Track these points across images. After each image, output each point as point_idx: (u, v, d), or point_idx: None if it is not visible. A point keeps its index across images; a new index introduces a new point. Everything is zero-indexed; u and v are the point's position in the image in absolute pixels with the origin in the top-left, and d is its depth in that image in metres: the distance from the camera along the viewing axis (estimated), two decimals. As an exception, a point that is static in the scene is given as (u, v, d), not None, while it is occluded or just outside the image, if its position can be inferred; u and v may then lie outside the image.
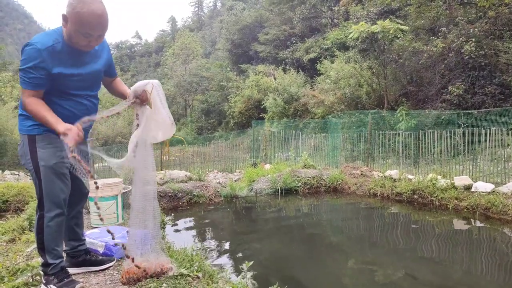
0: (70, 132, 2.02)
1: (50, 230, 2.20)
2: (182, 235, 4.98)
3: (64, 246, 2.51)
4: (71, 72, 2.19)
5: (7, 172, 12.46)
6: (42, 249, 2.23)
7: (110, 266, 2.65)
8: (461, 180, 6.35)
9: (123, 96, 2.49)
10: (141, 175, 2.34)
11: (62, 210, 2.24)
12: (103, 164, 13.61)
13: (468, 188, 6.21)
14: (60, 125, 2.04)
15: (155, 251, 2.40)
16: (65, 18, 2.09)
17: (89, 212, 4.18)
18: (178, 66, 41.93)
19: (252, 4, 47.74)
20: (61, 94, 2.21)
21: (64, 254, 2.48)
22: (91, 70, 2.29)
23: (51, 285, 2.22)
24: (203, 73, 37.08)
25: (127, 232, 2.44)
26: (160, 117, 2.39)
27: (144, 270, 2.32)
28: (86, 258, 2.60)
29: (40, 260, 2.37)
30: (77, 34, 2.09)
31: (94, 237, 2.94)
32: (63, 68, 2.15)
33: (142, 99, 2.32)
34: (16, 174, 12.09)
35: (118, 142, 25.19)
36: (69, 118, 2.18)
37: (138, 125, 2.35)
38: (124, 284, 2.30)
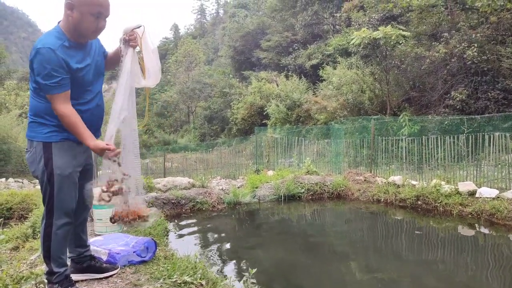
0: (109, 148, 2.17)
1: (58, 238, 2.21)
2: (185, 242, 4.97)
3: (69, 253, 2.52)
4: (83, 66, 2.21)
5: (11, 179, 12.48)
6: (47, 257, 2.22)
7: (114, 274, 2.65)
8: (465, 186, 6.32)
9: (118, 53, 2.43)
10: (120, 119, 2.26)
11: (71, 219, 2.25)
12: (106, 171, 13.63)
13: (472, 193, 6.17)
14: (97, 142, 2.18)
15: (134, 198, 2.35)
16: (70, 6, 2.09)
17: (93, 219, 4.18)
18: (181, 73, 42.18)
19: (254, 11, 47.98)
20: (77, 94, 2.21)
21: (69, 260, 2.49)
22: (94, 59, 2.31)
23: (55, 293, 2.22)
24: (206, 80, 37.26)
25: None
26: (150, 62, 2.35)
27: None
28: (91, 264, 2.60)
29: (44, 268, 2.37)
30: (87, 18, 2.10)
31: (98, 245, 2.95)
32: (76, 63, 2.17)
33: (130, 39, 2.30)
34: (20, 182, 12.11)
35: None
36: (90, 122, 2.25)
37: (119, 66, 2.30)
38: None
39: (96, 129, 2.35)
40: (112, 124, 2.22)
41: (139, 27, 2.31)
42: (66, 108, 2.11)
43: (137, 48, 2.35)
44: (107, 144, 2.16)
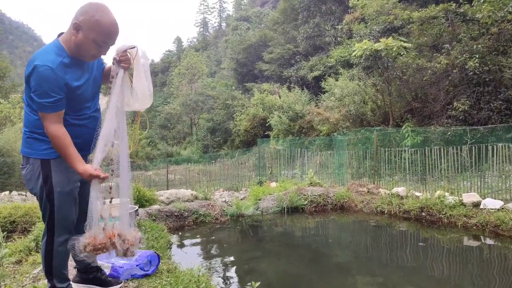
0: (98, 175, 2.04)
1: (59, 254, 2.20)
2: (188, 255, 4.95)
3: (75, 264, 2.52)
4: (82, 83, 2.16)
5: (14, 192, 12.50)
6: (49, 273, 2.21)
7: (117, 288, 2.64)
8: (469, 197, 6.28)
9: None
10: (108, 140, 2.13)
11: (71, 235, 2.24)
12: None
13: (476, 205, 6.14)
14: (87, 167, 2.05)
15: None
16: (77, 27, 2.02)
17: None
18: (184, 86, 42.53)
19: (257, 24, 48.47)
20: (74, 110, 2.16)
21: (75, 270, 2.49)
22: (92, 74, 2.26)
23: (58, 308, 2.21)
24: (208, 92, 37.49)
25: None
26: (140, 86, 2.25)
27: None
28: (96, 276, 2.58)
29: (46, 283, 2.37)
30: (90, 43, 2.05)
31: (101, 258, 2.94)
32: (75, 81, 2.11)
33: (121, 59, 2.19)
34: (23, 195, 12.12)
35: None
36: (86, 136, 2.19)
37: (110, 88, 2.19)
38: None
39: (90, 144, 2.26)
40: (99, 151, 2.09)
41: (133, 48, 2.21)
42: (57, 129, 2.03)
43: (129, 69, 2.26)
44: (96, 170, 2.05)
